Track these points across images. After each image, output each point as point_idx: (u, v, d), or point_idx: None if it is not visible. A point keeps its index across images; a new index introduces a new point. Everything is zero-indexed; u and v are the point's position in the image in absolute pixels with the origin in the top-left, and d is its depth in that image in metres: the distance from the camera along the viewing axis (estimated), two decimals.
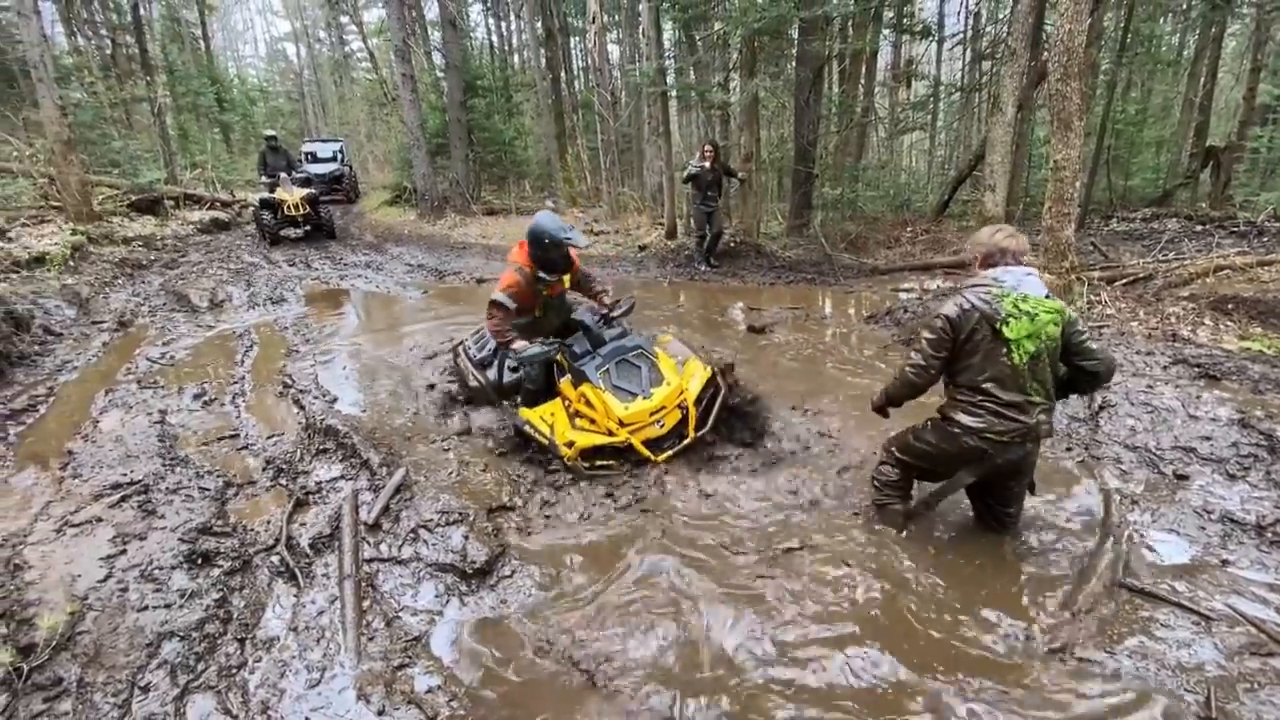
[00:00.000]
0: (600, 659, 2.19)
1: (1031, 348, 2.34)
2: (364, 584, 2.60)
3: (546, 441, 3.50)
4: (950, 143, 17.91)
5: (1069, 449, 3.55)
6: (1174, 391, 3.81)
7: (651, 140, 12.63)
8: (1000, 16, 13.46)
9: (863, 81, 12.31)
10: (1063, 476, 3.28)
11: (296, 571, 2.64)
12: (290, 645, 2.30)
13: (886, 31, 11.24)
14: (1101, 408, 3.79)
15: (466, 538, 2.80)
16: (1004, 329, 2.33)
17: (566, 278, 3.82)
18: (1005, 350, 2.34)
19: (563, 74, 17.19)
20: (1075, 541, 2.77)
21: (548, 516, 3.09)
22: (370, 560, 2.75)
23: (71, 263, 8.17)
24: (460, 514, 2.94)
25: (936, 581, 2.53)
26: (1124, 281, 5.93)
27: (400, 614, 2.47)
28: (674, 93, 11.30)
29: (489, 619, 2.44)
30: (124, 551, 2.62)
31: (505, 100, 17.47)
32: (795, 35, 9.25)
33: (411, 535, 2.85)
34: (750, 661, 2.18)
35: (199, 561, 2.61)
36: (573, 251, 3.71)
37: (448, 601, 2.53)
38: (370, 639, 2.34)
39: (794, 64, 9.92)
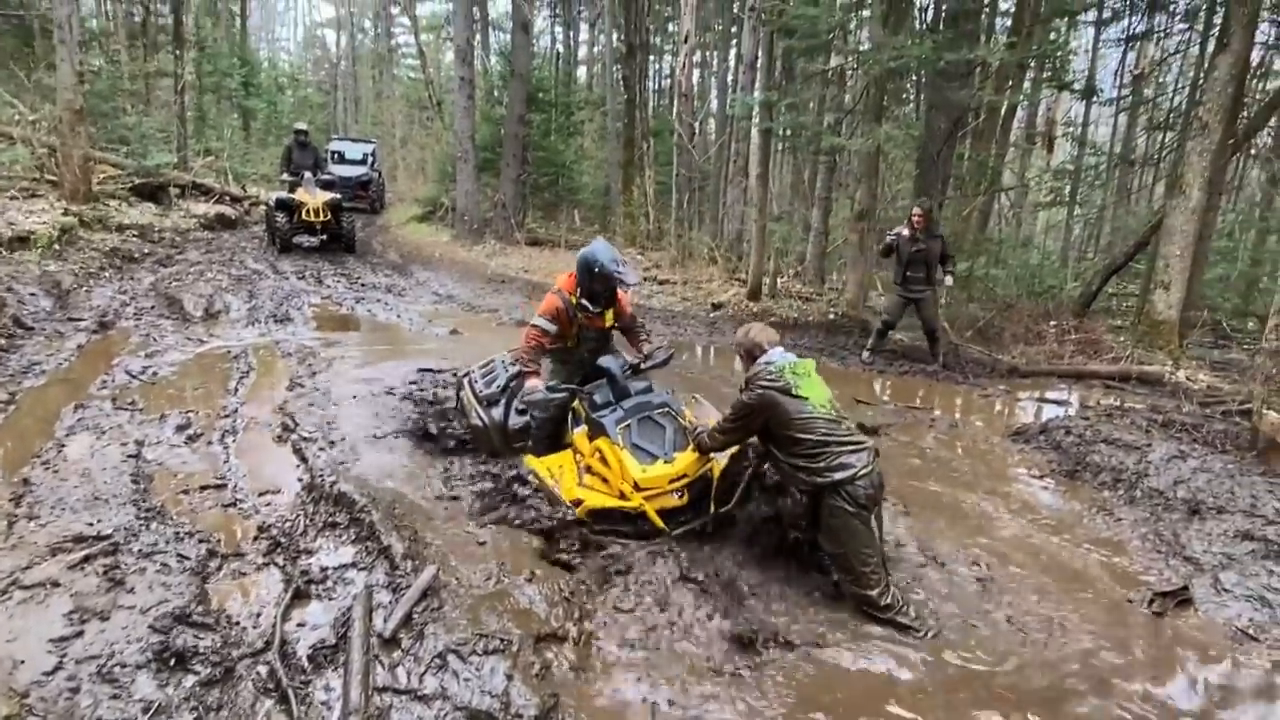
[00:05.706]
0: None
1: (823, 394, 3.29)
2: None
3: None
4: (1092, 220, 17.63)
5: None
6: None
7: (736, 181, 12.80)
8: (1167, 80, 13.47)
9: (996, 140, 12.30)
10: None
11: (290, 693, 2.41)
12: None
13: (1044, 88, 11.20)
14: None
15: (510, 676, 2.53)
16: (798, 392, 3.20)
17: (610, 314, 4.23)
18: (811, 408, 3.18)
19: (637, 95, 17.77)
20: None
21: (619, 650, 2.81)
22: (383, 689, 2.50)
23: (57, 247, 8.48)
24: (502, 640, 2.68)
25: None
26: None
27: None
28: (779, 131, 11.45)
29: None
30: (81, 634, 2.45)
31: (566, 118, 18.08)
32: (923, 78, 9.33)
33: (438, 662, 2.60)
34: None
35: (171, 662, 2.40)
36: (621, 293, 4.16)
37: None
38: None
39: (922, 111, 9.97)
